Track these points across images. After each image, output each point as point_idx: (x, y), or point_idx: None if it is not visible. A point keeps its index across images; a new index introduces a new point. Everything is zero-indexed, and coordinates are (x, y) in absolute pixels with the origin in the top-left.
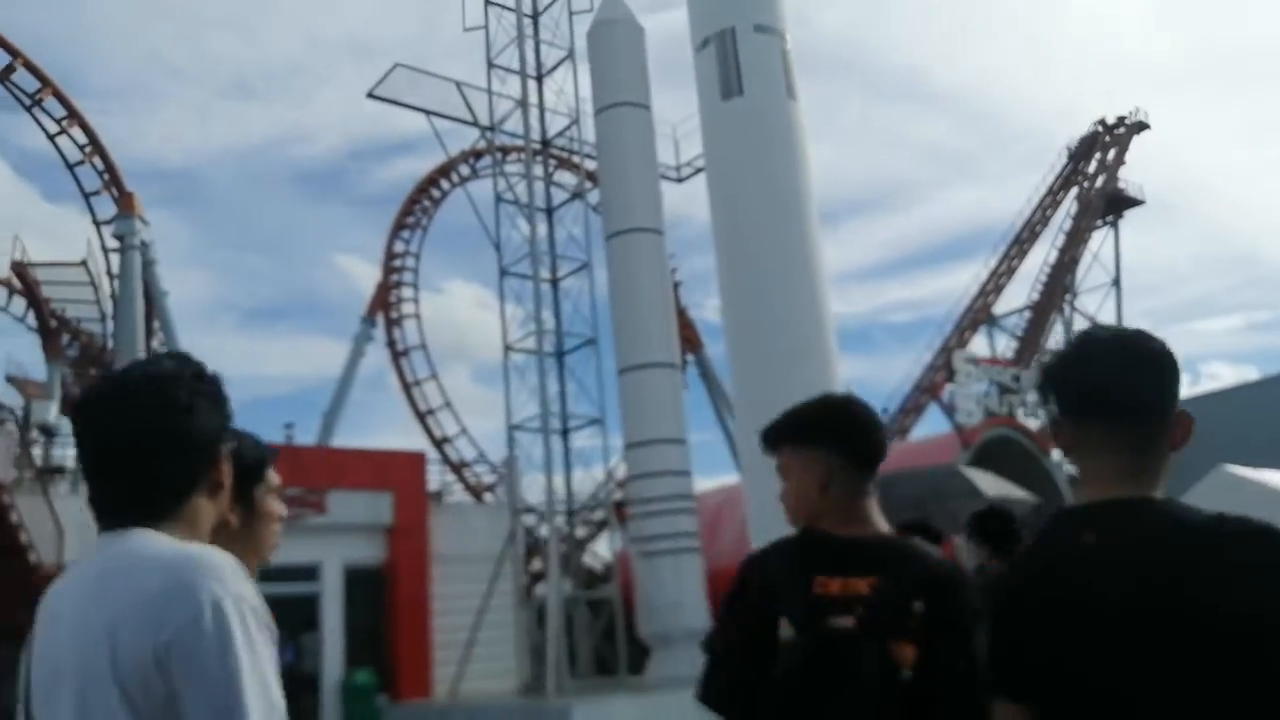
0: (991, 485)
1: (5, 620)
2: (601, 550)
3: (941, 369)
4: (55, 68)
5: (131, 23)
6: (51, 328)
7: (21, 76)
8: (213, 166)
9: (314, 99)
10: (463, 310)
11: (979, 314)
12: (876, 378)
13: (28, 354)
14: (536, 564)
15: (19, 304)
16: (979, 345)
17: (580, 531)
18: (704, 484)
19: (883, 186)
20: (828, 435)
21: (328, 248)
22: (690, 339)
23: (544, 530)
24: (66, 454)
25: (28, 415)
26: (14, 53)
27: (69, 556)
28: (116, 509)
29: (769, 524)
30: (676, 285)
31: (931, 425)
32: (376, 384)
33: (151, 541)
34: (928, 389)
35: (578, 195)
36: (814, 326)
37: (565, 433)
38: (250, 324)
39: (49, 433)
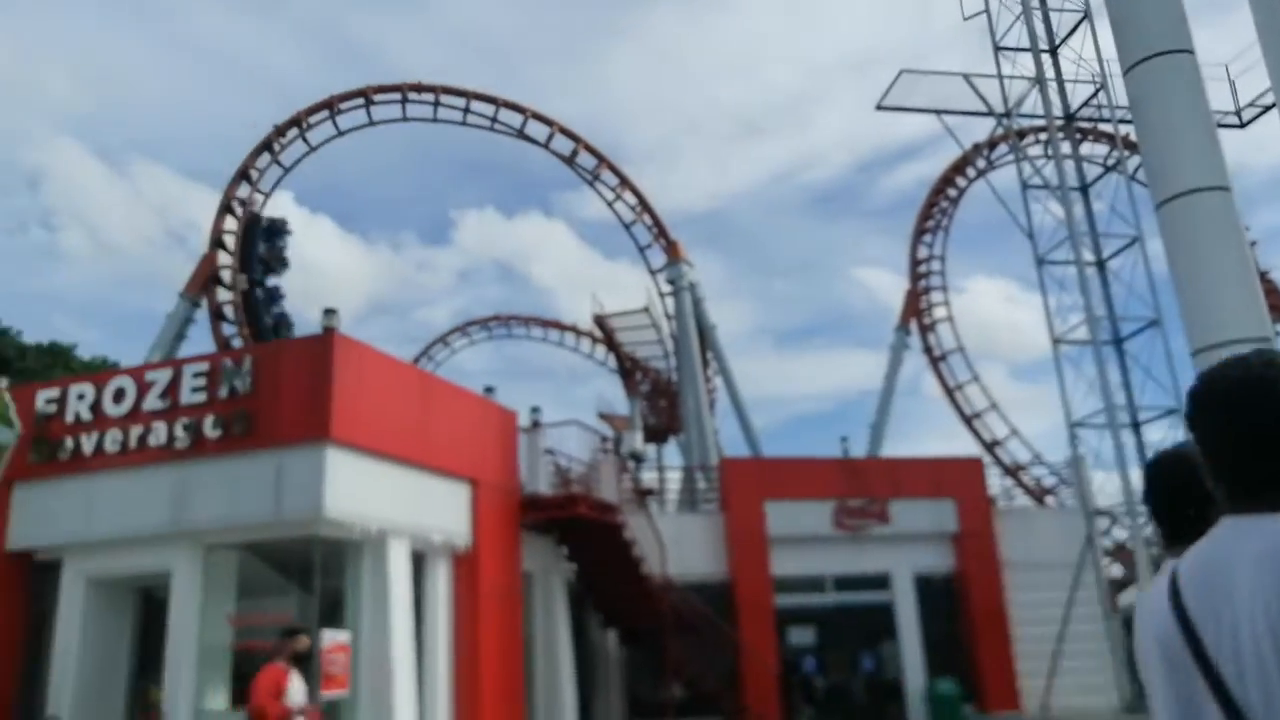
0: None
1: (630, 623)
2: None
3: None
4: (604, 145)
5: (655, 92)
6: (627, 367)
7: (582, 158)
8: (734, 205)
9: (816, 123)
10: (988, 307)
11: None
12: None
13: (612, 392)
14: (1114, 570)
15: (600, 350)
16: None
17: None
18: None
19: None
20: None
21: (847, 263)
22: (1277, 306)
23: (1119, 533)
24: (651, 477)
25: (618, 444)
26: (575, 139)
27: (671, 569)
28: (1262, 492)
29: None
30: (1252, 245)
31: None
32: (910, 390)
33: None
34: None
35: (1113, 167)
36: None
37: (1136, 426)
38: (785, 344)
39: (637, 459)
